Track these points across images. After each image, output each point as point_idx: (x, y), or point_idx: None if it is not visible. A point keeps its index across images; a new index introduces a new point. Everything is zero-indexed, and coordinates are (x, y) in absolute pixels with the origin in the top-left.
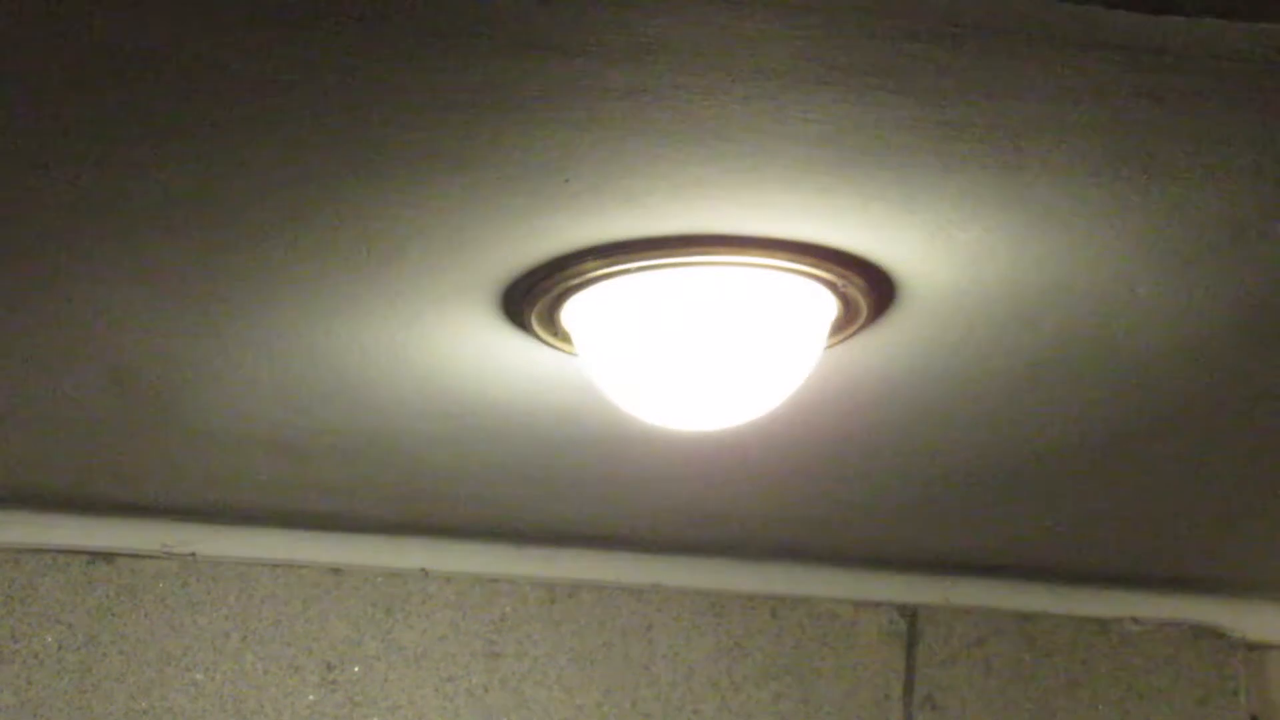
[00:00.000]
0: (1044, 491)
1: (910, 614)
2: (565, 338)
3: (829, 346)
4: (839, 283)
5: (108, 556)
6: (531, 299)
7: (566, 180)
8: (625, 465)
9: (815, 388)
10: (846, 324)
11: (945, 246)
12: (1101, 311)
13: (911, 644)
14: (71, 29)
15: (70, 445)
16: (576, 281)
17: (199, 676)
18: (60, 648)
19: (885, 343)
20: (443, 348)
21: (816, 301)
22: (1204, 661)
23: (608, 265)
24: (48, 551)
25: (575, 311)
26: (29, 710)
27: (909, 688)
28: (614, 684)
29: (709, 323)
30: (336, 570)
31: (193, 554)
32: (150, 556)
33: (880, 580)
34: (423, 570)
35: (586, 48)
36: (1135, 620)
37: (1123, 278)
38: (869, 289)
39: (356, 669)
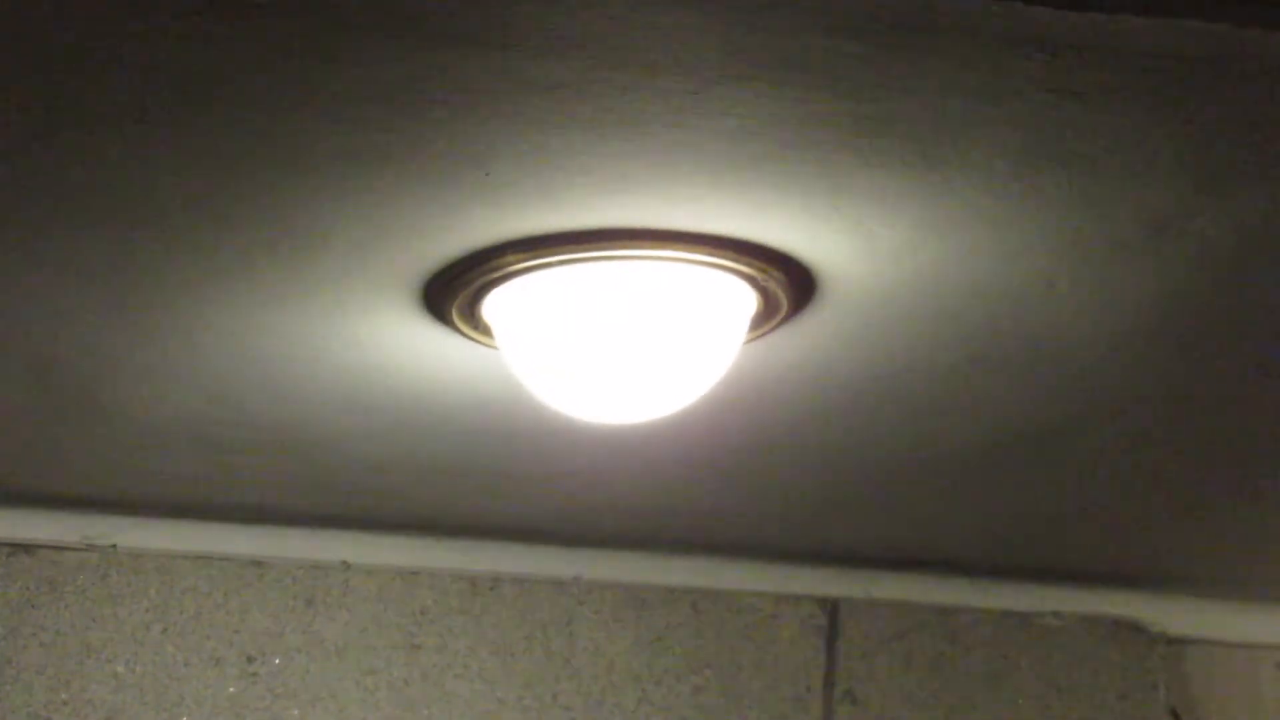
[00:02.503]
0: (964, 486)
1: (831, 608)
2: (486, 331)
3: (749, 341)
4: (759, 277)
5: (28, 548)
6: (452, 292)
7: (487, 174)
8: (546, 458)
9: (735, 382)
10: (766, 318)
11: (865, 242)
12: (1021, 308)
13: (832, 638)
14: None
15: None
16: (497, 275)
17: (119, 668)
18: None
19: (805, 337)
20: (364, 341)
21: (736, 296)
22: (1124, 656)
23: (528, 259)
24: None
25: (496, 305)
26: None
27: (829, 681)
28: (535, 677)
29: (629, 316)
30: (257, 563)
31: (113, 546)
32: (71, 548)
33: (801, 574)
34: (344, 563)
35: (507, 42)
36: (1056, 614)
37: (1043, 274)
38: (789, 284)
39: (277, 661)
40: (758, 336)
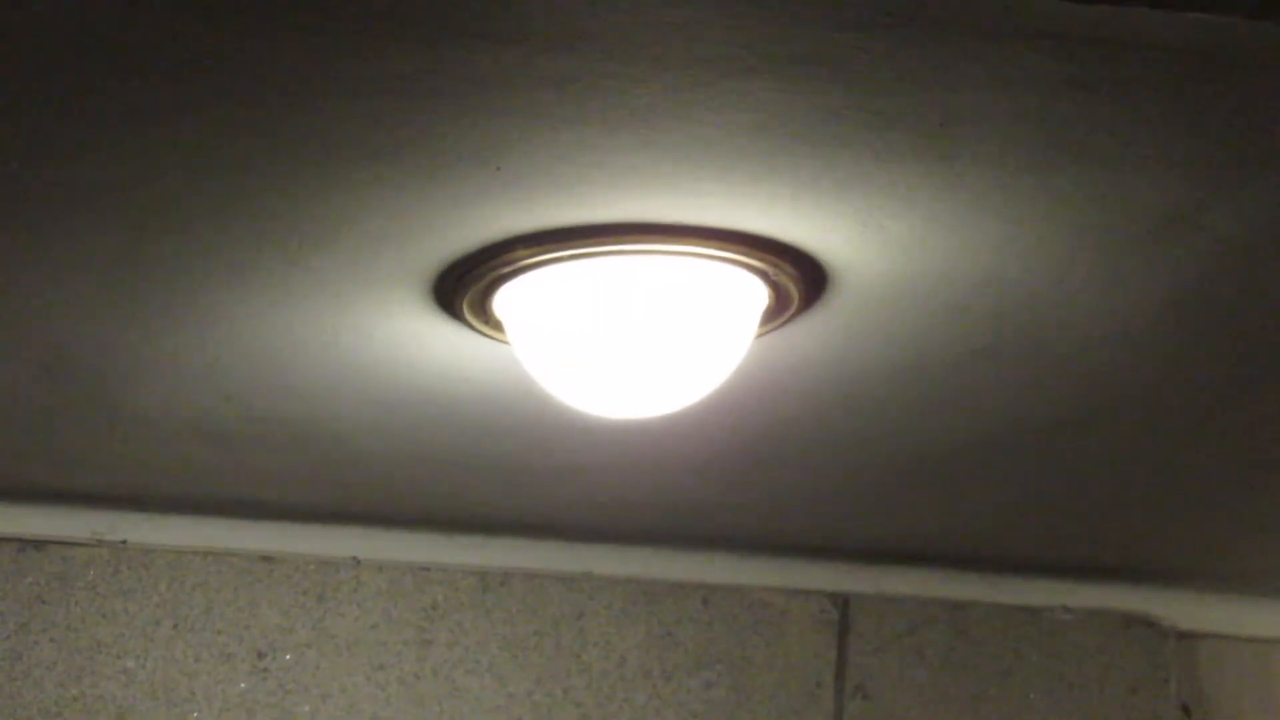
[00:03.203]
0: (975, 480)
1: (842, 602)
2: (497, 326)
3: (760, 335)
4: (770, 271)
5: (38, 544)
6: (463, 287)
7: (498, 168)
8: (557, 453)
9: (746, 376)
10: (778, 312)
11: (876, 235)
12: (1033, 301)
13: (843, 632)
14: None
15: (1, 433)
16: (508, 270)
17: (130, 664)
18: None
19: (817, 331)
20: (375, 335)
21: (747, 290)
22: (1135, 650)
23: (539, 253)
24: None
25: (507, 299)
26: None
27: (840, 676)
28: (545, 672)
29: (640, 311)
30: (268, 558)
31: (124, 541)
32: (81, 544)
33: (812, 569)
34: (354, 558)
35: (518, 36)
36: (1066, 609)
37: (1054, 267)
38: (800, 278)
39: (288, 657)
40: (769, 331)
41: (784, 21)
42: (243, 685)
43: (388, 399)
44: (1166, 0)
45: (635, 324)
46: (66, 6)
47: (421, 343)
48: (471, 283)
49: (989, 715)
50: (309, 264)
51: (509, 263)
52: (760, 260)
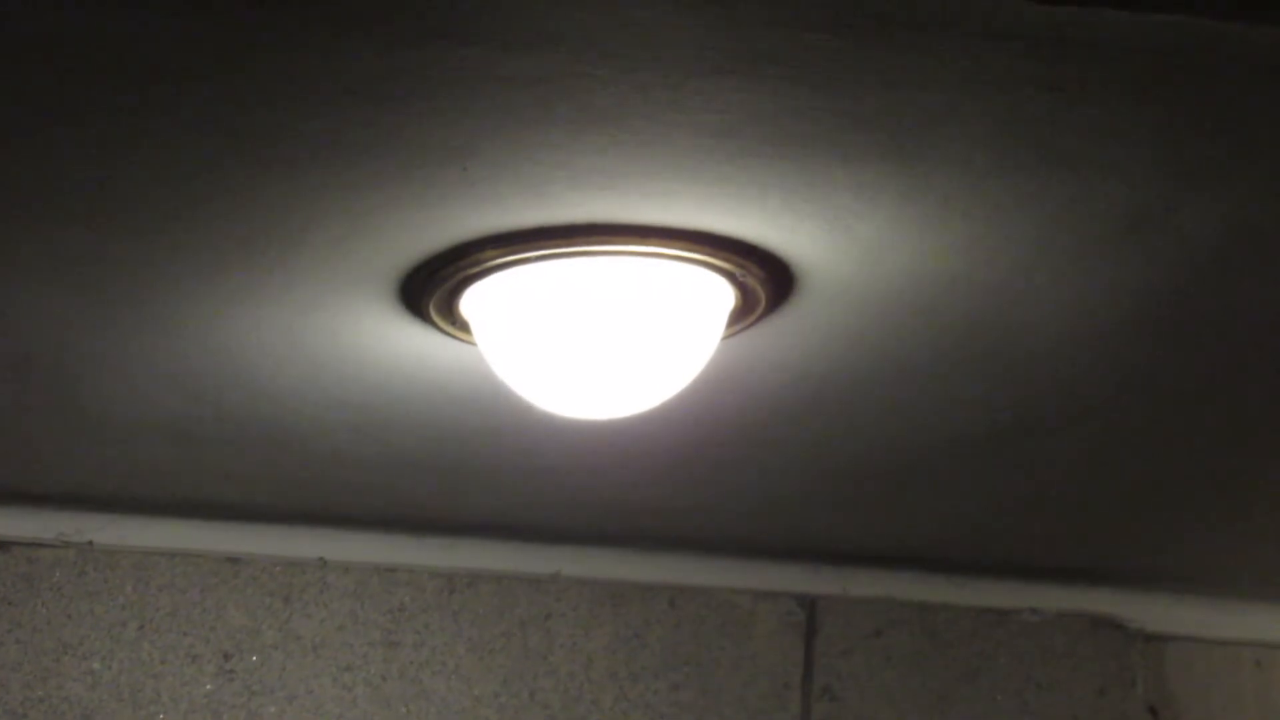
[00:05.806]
0: (943, 482)
1: (809, 604)
2: (464, 327)
3: (727, 336)
4: (737, 273)
5: (4, 545)
6: (430, 288)
7: (464, 169)
8: (524, 454)
9: (713, 377)
10: (745, 314)
11: (844, 237)
12: (1000, 303)
13: (810, 634)
14: None
15: None
16: (475, 270)
17: (96, 665)
18: None
19: (784, 333)
20: (341, 336)
21: (714, 291)
22: (1102, 652)
23: (506, 254)
24: None
25: (474, 300)
26: None
27: (808, 678)
28: (512, 674)
29: (607, 312)
30: (234, 559)
31: (90, 543)
32: (47, 545)
33: (779, 570)
34: (321, 559)
35: (486, 37)
36: (1034, 611)
37: (1021, 269)
38: (767, 279)
39: (254, 658)
40: (736, 332)
41: (752, 22)
42: (209, 687)
43: (354, 400)
44: (1134, 1)
45: (601, 325)
46: (27, 7)
47: (388, 344)
48: (438, 284)
49: (956, 717)
50: (275, 265)
51: (475, 264)
52: (727, 261)
